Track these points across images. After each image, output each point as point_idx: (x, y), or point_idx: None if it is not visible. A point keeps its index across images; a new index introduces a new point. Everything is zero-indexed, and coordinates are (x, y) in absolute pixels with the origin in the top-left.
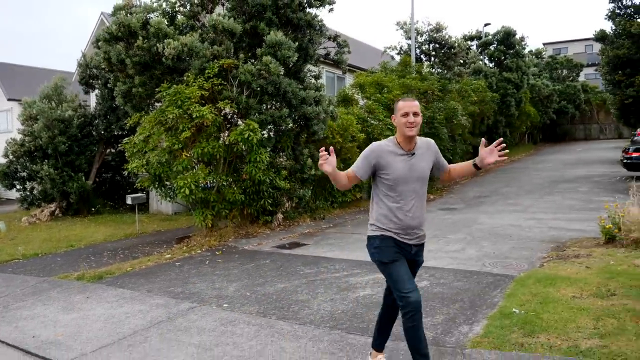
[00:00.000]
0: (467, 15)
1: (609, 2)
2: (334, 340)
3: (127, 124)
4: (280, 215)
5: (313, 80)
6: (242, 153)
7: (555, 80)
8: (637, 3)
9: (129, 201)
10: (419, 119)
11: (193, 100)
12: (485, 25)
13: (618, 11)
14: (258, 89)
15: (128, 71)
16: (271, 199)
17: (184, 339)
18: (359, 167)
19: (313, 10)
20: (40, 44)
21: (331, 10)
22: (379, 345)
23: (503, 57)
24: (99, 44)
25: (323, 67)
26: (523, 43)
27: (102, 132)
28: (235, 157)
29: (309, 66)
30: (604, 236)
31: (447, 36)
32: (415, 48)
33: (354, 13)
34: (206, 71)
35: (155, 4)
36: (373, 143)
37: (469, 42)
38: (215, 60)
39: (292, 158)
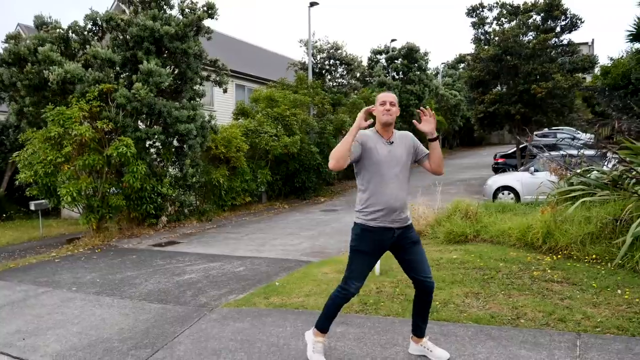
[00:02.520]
0: (386, 31)
1: (472, 28)
2: (135, 307)
3: (20, 139)
4: (164, 218)
5: (185, 101)
6: (123, 164)
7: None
8: (490, 30)
9: (32, 207)
10: (395, 109)
11: (74, 119)
12: (392, 40)
13: (480, 36)
14: (133, 110)
15: (20, 92)
16: (154, 204)
17: (27, 312)
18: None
19: (190, 41)
20: None
21: (209, 38)
22: (420, 331)
23: (407, 70)
24: None
25: (233, 81)
26: (426, 57)
27: (14, 141)
28: (116, 168)
29: (198, 86)
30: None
31: (344, 54)
32: (317, 63)
33: (275, 25)
34: (87, 94)
35: (44, 34)
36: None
37: (378, 56)
38: (97, 85)
39: (176, 167)
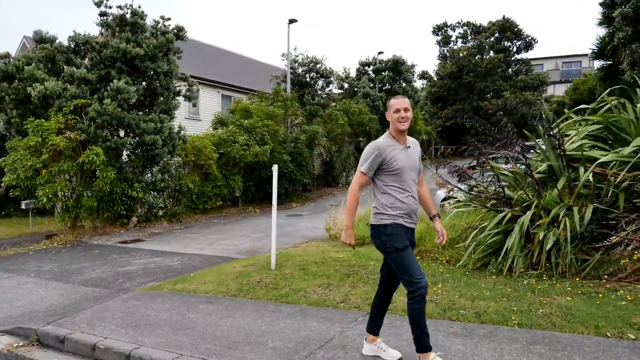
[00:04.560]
0: (376, 43)
1: (438, 46)
2: (71, 289)
3: (7, 146)
4: (134, 219)
5: (154, 114)
6: (96, 170)
7: None
8: (455, 48)
9: (22, 206)
10: (410, 114)
11: (51, 131)
12: (379, 53)
13: (445, 54)
14: (104, 122)
15: (9, 105)
16: (125, 206)
17: None
18: (367, 168)
19: (159, 61)
20: None
21: (179, 57)
22: (375, 329)
23: (392, 82)
24: None
25: (219, 91)
26: (412, 70)
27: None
28: (90, 173)
29: (178, 99)
30: (328, 233)
31: (323, 67)
32: (298, 76)
33: (267, 35)
34: (64, 108)
35: (32, 53)
36: (371, 142)
37: (366, 68)
38: (73, 100)
39: (146, 174)
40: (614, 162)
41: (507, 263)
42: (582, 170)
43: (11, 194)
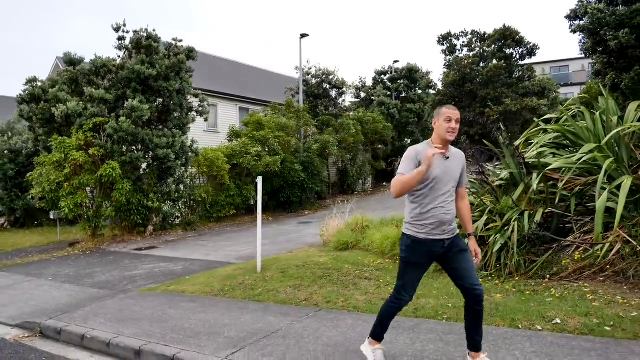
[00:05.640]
0: (393, 51)
1: (444, 55)
2: (81, 291)
3: (35, 161)
4: (151, 227)
5: (167, 130)
6: (114, 183)
7: None
8: (461, 56)
9: (52, 216)
10: (458, 126)
11: (72, 147)
12: (395, 62)
13: (451, 62)
14: (120, 139)
15: (36, 124)
16: (141, 215)
17: (9, 292)
18: (406, 169)
19: (171, 80)
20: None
21: (191, 76)
22: (475, 346)
23: (407, 90)
24: (18, 104)
25: (237, 104)
26: (428, 77)
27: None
28: (108, 186)
29: (192, 114)
30: (322, 239)
31: (335, 78)
32: (311, 88)
33: (285, 46)
34: (84, 126)
35: (57, 76)
36: (410, 147)
37: (382, 76)
38: (92, 118)
39: (161, 185)
40: (564, 169)
41: None
42: (534, 176)
43: (38, 205)
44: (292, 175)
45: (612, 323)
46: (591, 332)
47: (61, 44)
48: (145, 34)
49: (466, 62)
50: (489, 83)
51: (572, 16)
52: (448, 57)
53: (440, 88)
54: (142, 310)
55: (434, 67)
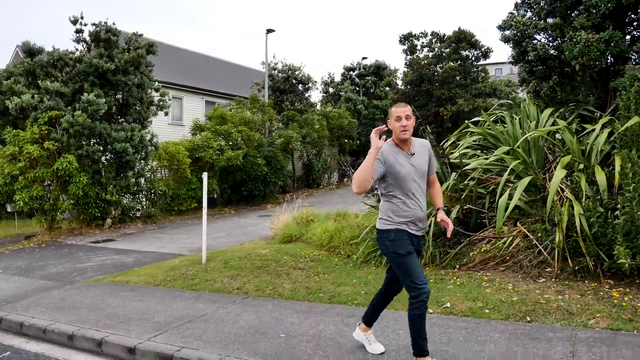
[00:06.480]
0: (362, 48)
1: (405, 55)
2: (29, 282)
3: None
4: (109, 220)
5: (126, 123)
6: (70, 176)
7: None
8: (421, 56)
9: (8, 209)
10: (412, 122)
11: (27, 140)
12: (363, 58)
13: (412, 62)
14: (76, 132)
15: None
16: (99, 208)
17: None
18: (374, 169)
19: (130, 75)
20: None
21: (151, 70)
22: (369, 321)
23: (375, 86)
24: None
25: (203, 97)
26: (394, 75)
27: None
28: (66, 178)
29: (153, 108)
30: (272, 232)
31: (301, 75)
32: (277, 83)
33: (254, 38)
34: (39, 119)
35: (13, 68)
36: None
37: (350, 72)
38: (48, 112)
39: (120, 178)
40: (478, 168)
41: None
42: (453, 175)
43: None
44: (254, 169)
45: (492, 306)
46: (473, 314)
47: (33, 32)
48: (104, 27)
49: (424, 62)
50: (444, 83)
51: (502, 27)
52: (409, 57)
53: (401, 87)
54: (83, 300)
55: (402, 65)
